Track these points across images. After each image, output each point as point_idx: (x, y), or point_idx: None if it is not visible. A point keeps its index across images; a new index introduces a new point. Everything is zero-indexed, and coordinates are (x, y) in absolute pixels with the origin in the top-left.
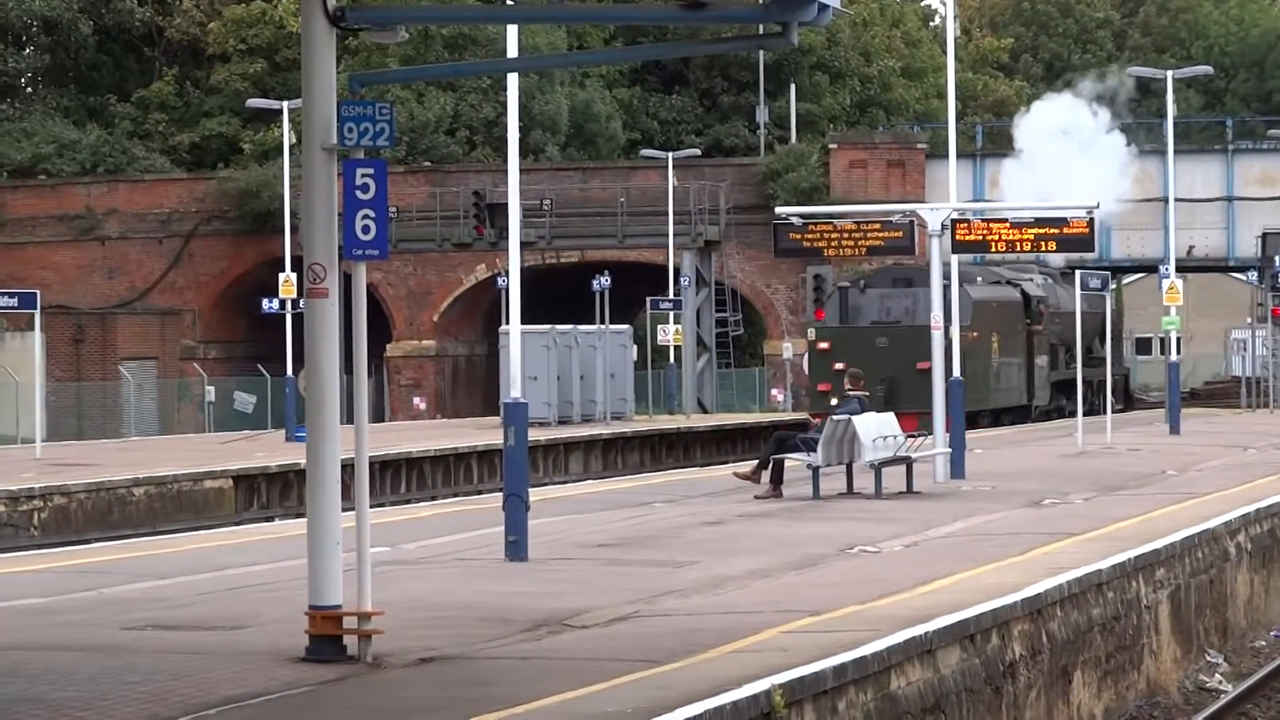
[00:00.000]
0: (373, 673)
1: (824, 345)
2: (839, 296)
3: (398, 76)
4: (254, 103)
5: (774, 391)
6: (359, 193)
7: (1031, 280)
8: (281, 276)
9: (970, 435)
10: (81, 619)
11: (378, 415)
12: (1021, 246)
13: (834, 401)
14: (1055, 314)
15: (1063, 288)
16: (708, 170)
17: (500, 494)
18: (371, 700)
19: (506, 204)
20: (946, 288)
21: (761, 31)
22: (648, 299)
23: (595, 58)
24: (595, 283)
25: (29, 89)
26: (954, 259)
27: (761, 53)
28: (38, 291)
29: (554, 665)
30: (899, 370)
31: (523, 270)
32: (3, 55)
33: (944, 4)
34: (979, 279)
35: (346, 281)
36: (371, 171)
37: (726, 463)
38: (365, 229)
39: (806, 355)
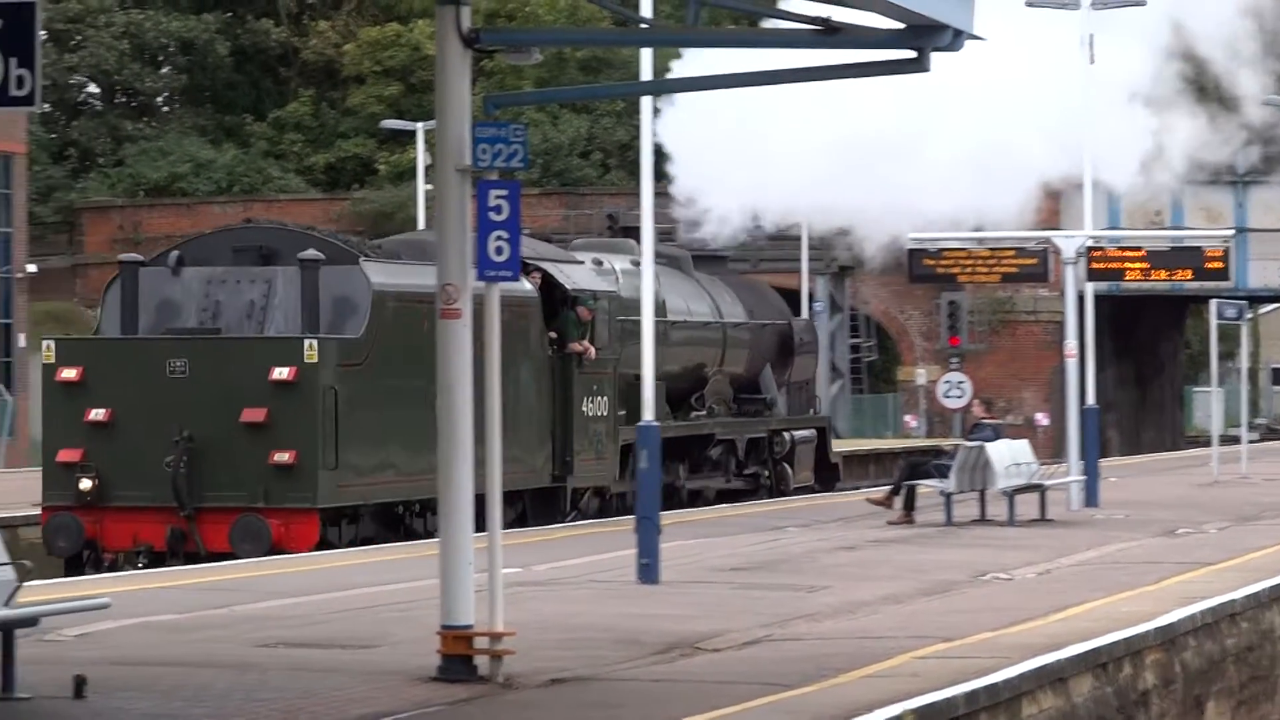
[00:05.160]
0: (504, 693)
1: (69, 374)
2: (122, 282)
3: (531, 99)
4: (389, 124)
5: (907, 418)
6: (492, 214)
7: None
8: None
9: (1104, 464)
10: (215, 635)
11: None
12: (1155, 275)
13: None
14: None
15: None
16: None
17: (633, 517)
18: (499, 718)
19: (640, 227)
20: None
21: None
22: None
23: (729, 82)
24: None
25: (166, 109)
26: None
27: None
28: None
29: (684, 688)
30: (211, 422)
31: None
32: (140, 75)
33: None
34: None
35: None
36: (505, 193)
37: (859, 488)
38: (499, 250)
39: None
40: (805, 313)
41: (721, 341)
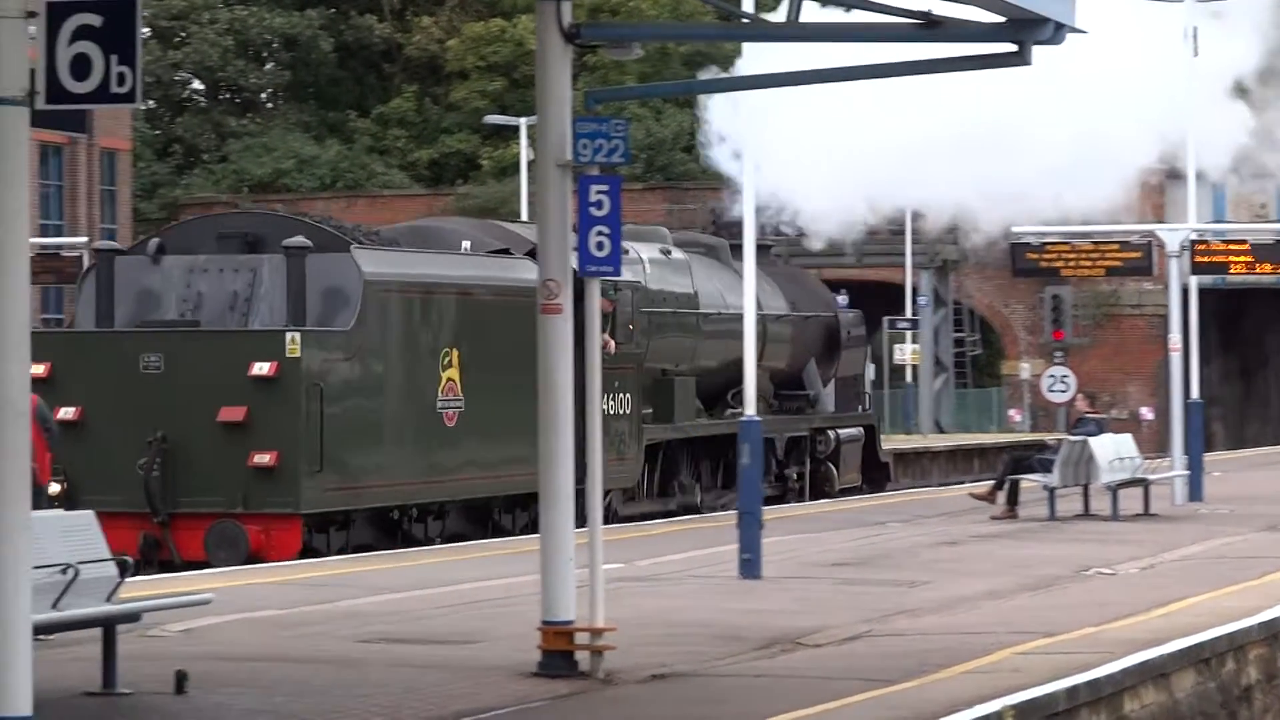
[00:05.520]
0: (604, 688)
1: (36, 370)
2: (98, 271)
3: (633, 93)
4: (492, 119)
5: (1011, 412)
6: (593, 209)
7: None
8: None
9: (1208, 458)
10: (317, 631)
11: None
12: (1260, 268)
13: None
14: None
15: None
16: None
17: (734, 511)
18: (602, 716)
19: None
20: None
21: (997, 52)
22: (885, 318)
23: (832, 76)
24: None
25: (270, 105)
26: None
27: None
28: None
29: (785, 683)
30: (187, 421)
31: None
32: (244, 72)
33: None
34: None
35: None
36: (606, 188)
37: (962, 483)
38: (599, 245)
39: None
40: (910, 308)
41: (761, 335)
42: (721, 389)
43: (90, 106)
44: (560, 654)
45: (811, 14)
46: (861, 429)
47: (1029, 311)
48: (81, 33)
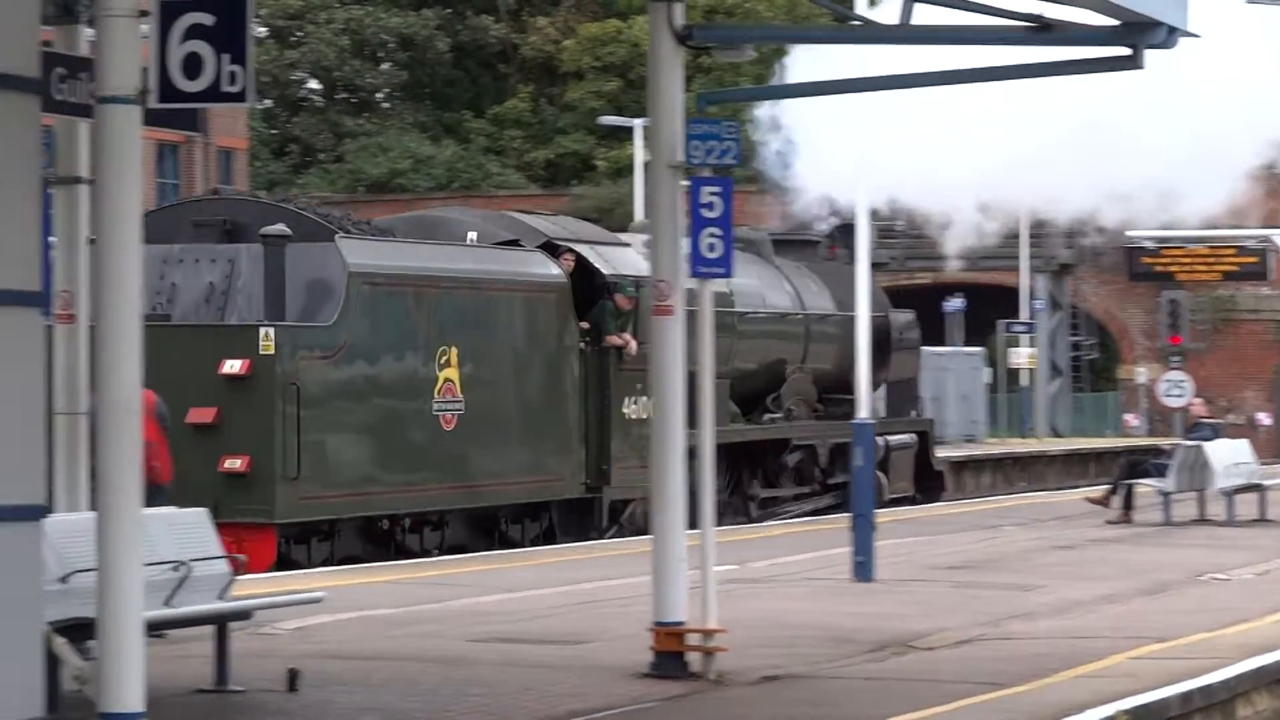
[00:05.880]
0: (715, 690)
1: None
2: None
3: (745, 95)
4: (607, 120)
5: (1127, 416)
6: (705, 211)
7: None
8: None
9: None
10: (428, 630)
11: None
12: None
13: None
14: None
15: None
16: None
17: (848, 514)
18: (713, 717)
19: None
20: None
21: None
22: (1000, 322)
23: (943, 79)
24: (947, 305)
25: (386, 105)
26: None
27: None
28: None
29: (896, 687)
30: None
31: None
32: (360, 71)
33: None
34: None
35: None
36: (718, 190)
37: (1078, 487)
38: (711, 247)
39: None
40: (1026, 312)
41: (804, 335)
42: (761, 392)
43: (201, 105)
44: (672, 655)
45: (923, 16)
46: (914, 436)
47: (1146, 316)
48: (193, 32)
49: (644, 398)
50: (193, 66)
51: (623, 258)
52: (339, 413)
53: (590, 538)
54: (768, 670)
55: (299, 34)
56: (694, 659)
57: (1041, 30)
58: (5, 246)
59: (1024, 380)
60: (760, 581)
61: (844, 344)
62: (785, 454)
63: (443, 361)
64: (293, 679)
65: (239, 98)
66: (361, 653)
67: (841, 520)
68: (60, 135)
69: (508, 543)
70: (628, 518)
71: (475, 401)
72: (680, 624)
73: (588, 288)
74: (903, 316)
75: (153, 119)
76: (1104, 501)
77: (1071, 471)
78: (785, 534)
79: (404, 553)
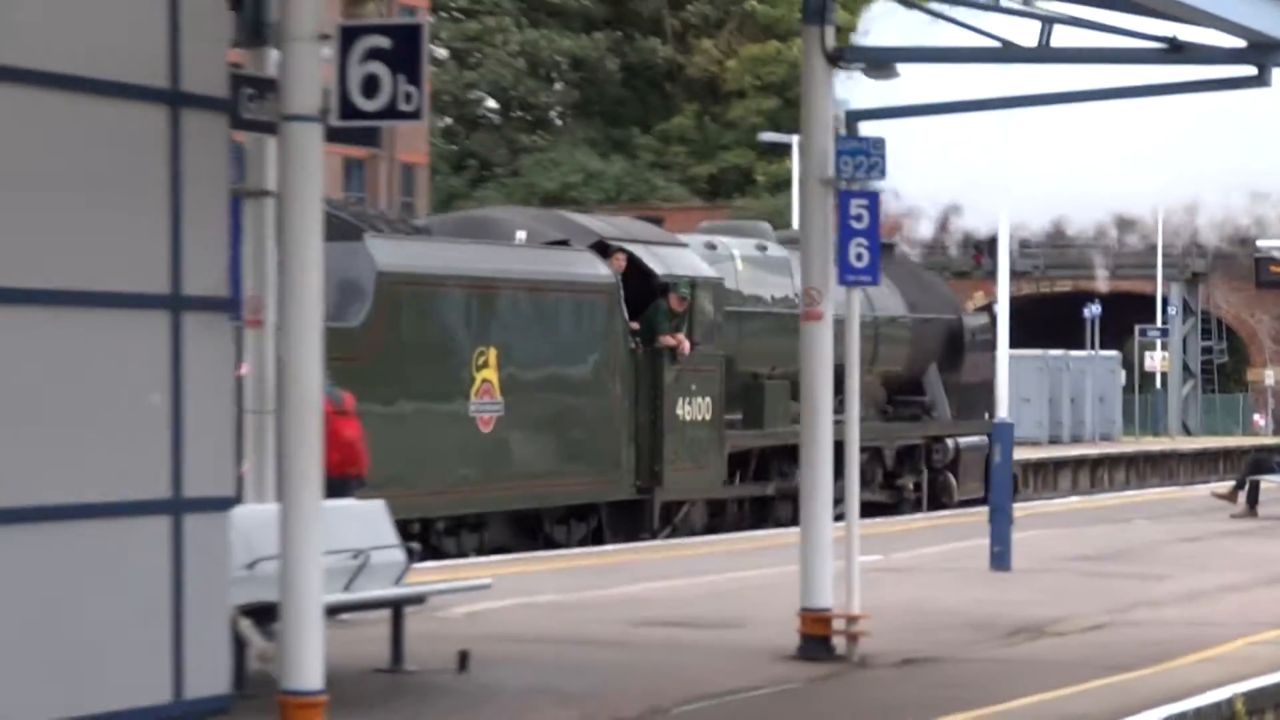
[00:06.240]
0: (858, 671)
1: None
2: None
3: (891, 113)
4: (766, 137)
5: (1256, 416)
6: (853, 222)
7: None
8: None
9: None
10: (591, 615)
11: None
12: None
13: None
14: None
15: None
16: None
17: (986, 507)
18: (854, 697)
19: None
20: None
21: (1237, 75)
22: (1136, 327)
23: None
24: (1086, 311)
25: (559, 122)
26: None
27: None
28: None
29: (1027, 669)
30: None
31: (1017, 298)
32: (535, 91)
33: None
34: None
35: None
36: (865, 203)
37: (1207, 483)
38: (859, 256)
39: None
40: (1160, 318)
41: (872, 337)
42: None
43: (379, 123)
44: (818, 639)
45: (1061, 39)
46: (986, 437)
47: (1274, 321)
48: (371, 54)
49: (699, 398)
50: (370, 87)
51: (679, 258)
52: (366, 415)
53: (641, 539)
54: (908, 653)
55: (477, 55)
56: (839, 642)
57: (1174, 51)
58: (196, 256)
59: (1158, 382)
60: (902, 571)
61: (915, 346)
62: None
63: (480, 363)
64: (463, 660)
65: (414, 115)
66: (527, 636)
67: (981, 514)
68: (250, 151)
69: (552, 544)
70: (682, 519)
71: (515, 403)
72: (826, 610)
73: (642, 288)
74: (976, 319)
75: (334, 136)
76: (1230, 497)
77: (1201, 468)
78: (927, 526)
79: (439, 556)
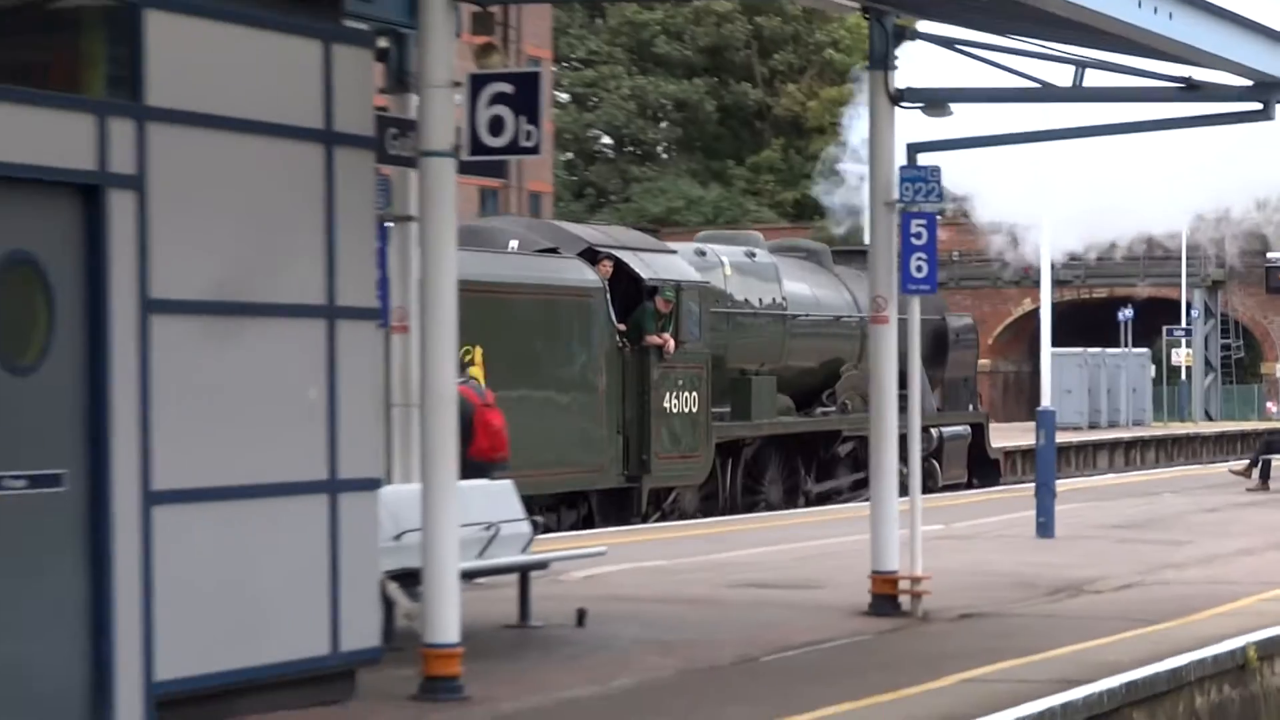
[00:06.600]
0: (921, 625)
1: None
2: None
3: (948, 145)
4: (842, 167)
5: (1269, 404)
6: (914, 239)
7: None
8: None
9: None
10: (691, 578)
11: None
12: None
13: None
14: None
15: None
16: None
17: (1033, 483)
18: (917, 646)
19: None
20: None
21: (1243, 109)
22: (1164, 328)
23: (1106, 130)
24: (1120, 314)
25: (664, 155)
26: None
27: None
28: None
29: (1067, 623)
30: None
31: (1060, 304)
32: (644, 129)
33: None
34: None
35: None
36: (924, 223)
37: (1225, 461)
38: (919, 269)
39: None
40: (1184, 319)
41: (859, 335)
42: (818, 388)
43: (502, 158)
44: (886, 597)
45: (1091, 79)
46: (968, 427)
47: None
48: (496, 98)
49: (685, 393)
50: (496, 126)
51: (666, 264)
52: None
53: (631, 523)
54: (964, 609)
55: (594, 99)
56: (904, 600)
57: (1190, 89)
58: (350, 272)
59: (1183, 375)
60: (959, 538)
61: (903, 344)
62: (837, 445)
63: (465, 361)
64: (581, 617)
65: (533, 151)
66: (637, 596)
67: (1028, 489)
68: (395, 182)
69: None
70: (671, 504)
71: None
72: (894, 572)
73: (631, 291)
74: (959, 321)
75: (465, 169)
76: (1245, 473)
77: (1221, 449)
78: (983, 500)
79: None
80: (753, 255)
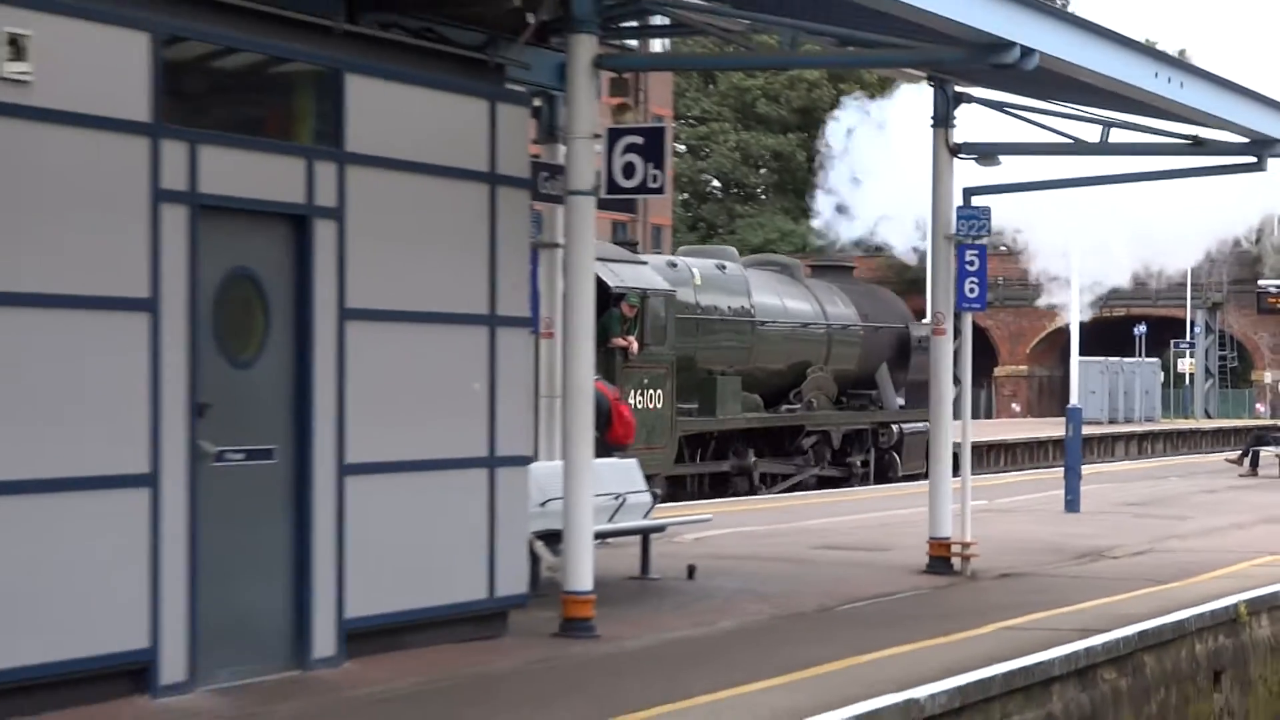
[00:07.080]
0: (969, 582)
1: None
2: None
3: (1000, 189)
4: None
5: (1258, 406)
6: (968, 266)
7: None
8: (924, 319)
9: None
10: (782, 541)
11: (986, 415)
12: None
13: None
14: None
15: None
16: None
17: (1063, 467)
18: (966, 598)
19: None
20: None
21: (1240, 162)
22: (1172, 341)
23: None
24: (1136, 330)
25: (763, 196)
26: None
27: None
28: None
29: (1091, 582)
30: None
31: (1086, 322)
32: (746, 175)
33: None
34: None
35: (977, 328)
36: (976, 253)
37: (1221, 452)
38: (971, 290)
39: None
40: (1188, 334)
41: (825, 341)
42: (786, 387)
43: (633, 197)
44: (941, 559)
45: (1114, 136)
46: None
47: (1272, 337)
48: (629, 148)
49: (651, 390)
50: (628, 171)
51: (634, 274)
52: None
53: None
54: (1005, 569)
55: (707, 150)
56: (956, 562)
57: (1197, 145)
58: (508, 288)
59: (1187, 380)
60: (1002, 512)
61: (865, 349)
62: (800, 438)
63: None
64: (691, 572)
65: (658, 191)
66: (737, 555)
67: (1058, 471)
68: (545, 216)
69: None
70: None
71: None
72: (947, 538)
73: (600, 298)
74: (923, 329)
75: (603, 205)
76: (1238, 462)
77: (1218, 441)
78: (1020, 481)
79: None
80: (723, 267)
